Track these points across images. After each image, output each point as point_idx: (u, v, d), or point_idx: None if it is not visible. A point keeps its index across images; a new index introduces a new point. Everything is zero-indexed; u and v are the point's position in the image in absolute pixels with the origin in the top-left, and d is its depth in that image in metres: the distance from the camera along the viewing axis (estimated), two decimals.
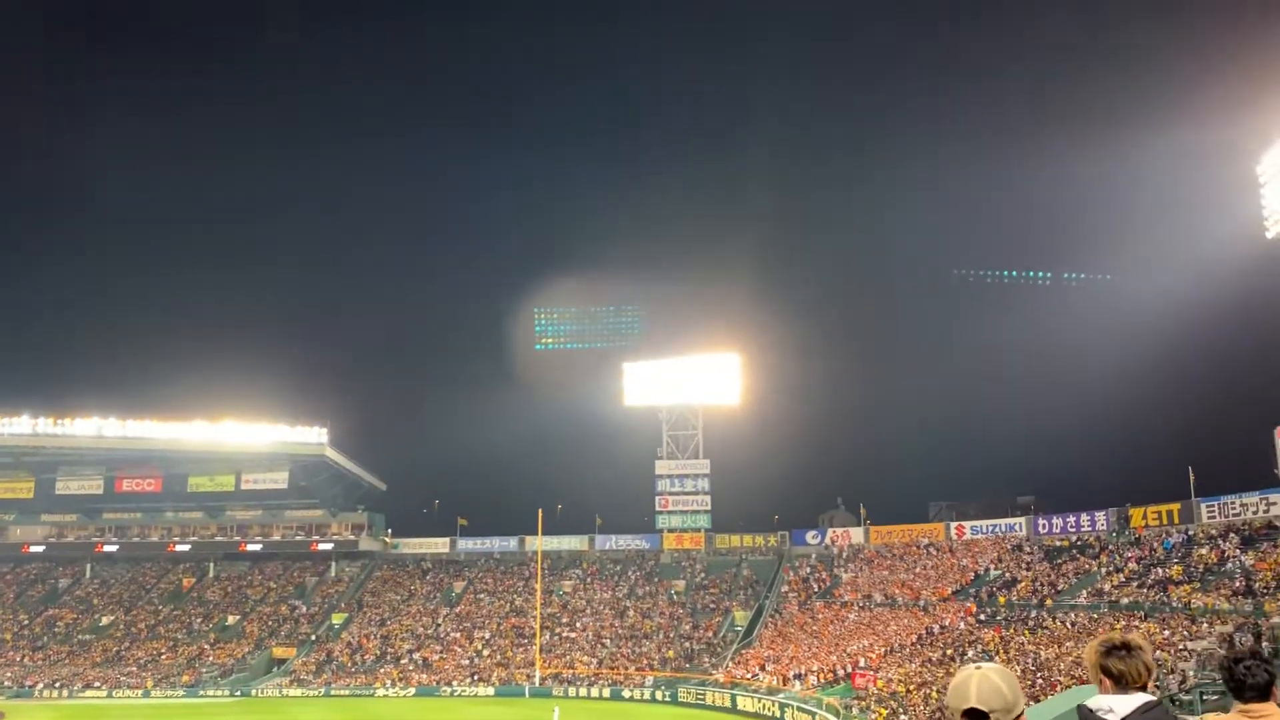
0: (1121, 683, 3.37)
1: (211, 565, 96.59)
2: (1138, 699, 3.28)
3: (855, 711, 47.87)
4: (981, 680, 3.01)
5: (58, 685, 77.48)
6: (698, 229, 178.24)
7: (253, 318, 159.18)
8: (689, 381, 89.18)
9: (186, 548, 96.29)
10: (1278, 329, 76.42)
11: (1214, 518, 58.64)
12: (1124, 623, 48.45)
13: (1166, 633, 44.52)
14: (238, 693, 75.53)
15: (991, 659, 49.86)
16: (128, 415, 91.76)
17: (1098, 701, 3.31)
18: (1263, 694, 3.71)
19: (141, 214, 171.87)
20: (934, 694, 47.30)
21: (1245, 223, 59.47)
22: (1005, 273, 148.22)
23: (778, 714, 55.27)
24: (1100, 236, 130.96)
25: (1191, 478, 61.63)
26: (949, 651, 54.17)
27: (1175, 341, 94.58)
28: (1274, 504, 55.00)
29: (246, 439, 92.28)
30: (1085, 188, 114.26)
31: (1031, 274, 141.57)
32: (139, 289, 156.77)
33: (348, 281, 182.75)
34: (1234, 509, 57.79)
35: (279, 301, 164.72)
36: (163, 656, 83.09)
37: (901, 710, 46.84)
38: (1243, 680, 3.72)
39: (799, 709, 53.22)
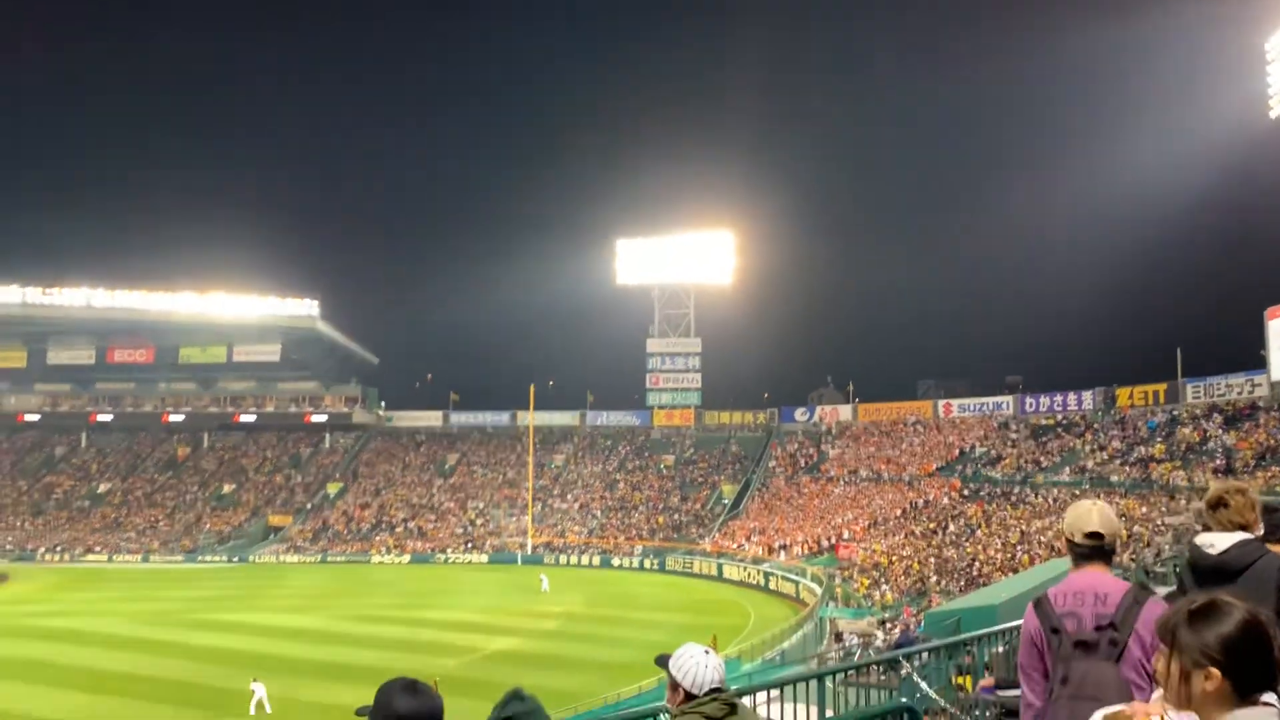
0: (1224, 526, 4.01)
1: (206, 435, 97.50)
2: (1236, 536, 3.87)
3: (838, 580, 49.17)
4: (1101, 511, 3.81)
5: (59, 550, 79.09)
6: (693, 105, 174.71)
7: (243, 189, 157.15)
8: (682, 260, 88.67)
9: (180, 418, 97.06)
10: (1274, 211, 75.89)
11: (1199, 398, 59.16)
12: (1105, 499, 49.43)
13: (1145, 509, 45.45)
14: (236, 559, 77.25)
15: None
16: (117, 286, 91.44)
17: (1203, 538, 3.91)
18: None
19: (132, 83, 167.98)
20: (915, 565, 48.53)
21: (1249, 101, 58.30)
22: (999, 154, 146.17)
23: (762, 582, 56.83)
24: (1096, 116, 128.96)
25: (1179, 359, 61.99)
26: (931, 525, 55.29)
27: (1169, 223, 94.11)
28: (1259, 385, 55.49)
29: (237, 311, 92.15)
30: (1082, 66, 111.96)
31: (1026, 153, 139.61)
32: (129, 160, 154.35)
33: (338, 153, 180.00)
34: (1219, 390, 58.26)
35: (270, 173, 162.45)
36: (160, 523, 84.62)
37: (884, 579, 48.14)
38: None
39: (783, 577, 54.69)
